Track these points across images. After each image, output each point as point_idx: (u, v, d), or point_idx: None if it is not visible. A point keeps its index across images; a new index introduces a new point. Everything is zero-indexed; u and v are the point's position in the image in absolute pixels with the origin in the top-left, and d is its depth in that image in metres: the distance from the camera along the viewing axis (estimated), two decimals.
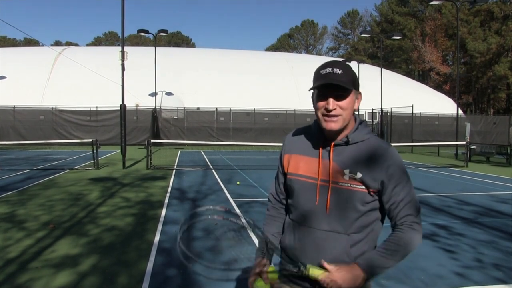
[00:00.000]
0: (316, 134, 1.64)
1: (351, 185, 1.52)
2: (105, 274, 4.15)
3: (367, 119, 31.79)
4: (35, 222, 6.25)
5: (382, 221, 1.63)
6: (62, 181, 10.60)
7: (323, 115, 1.53)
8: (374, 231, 1.60)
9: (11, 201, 7.89)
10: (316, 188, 1.57)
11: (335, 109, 1.50)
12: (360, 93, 1.61)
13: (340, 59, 41.96)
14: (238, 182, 10.55)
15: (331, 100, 1.50)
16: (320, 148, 1.60)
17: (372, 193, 1.53)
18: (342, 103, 1.51)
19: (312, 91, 1.60)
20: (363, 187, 1.52)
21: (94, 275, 4.13)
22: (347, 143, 1.57)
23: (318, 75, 1.54)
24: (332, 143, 1.58)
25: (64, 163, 15.31)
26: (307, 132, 1.70)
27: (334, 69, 1.50)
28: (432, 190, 9.76)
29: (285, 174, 1.71)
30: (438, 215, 7.04)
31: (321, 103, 1.53)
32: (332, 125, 1.52)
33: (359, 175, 1.52)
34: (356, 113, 1.65)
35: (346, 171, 1.53)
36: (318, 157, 1.60)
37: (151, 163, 14.02)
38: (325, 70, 1.52)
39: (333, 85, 1.48)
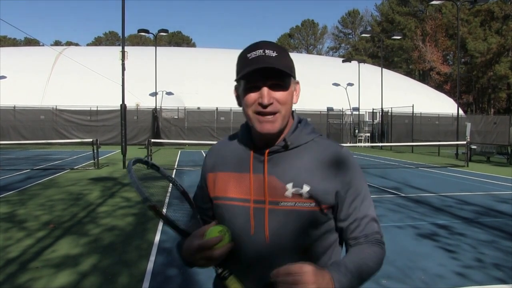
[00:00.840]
0: (244, 140, 1.26)
1: (296, 204, 1.13)
2: (105, 274, 4.15)
3: (367, 119, 31.82)
4: (35, 222, 6.25)
5: (341, 243, 1.26)
6: (63, 181, 10.60)
7: (257, 113, 1.15)
8: (333, 260, 1.21)
9: (11, 201, 7.90)
10: (250, 213, 1.17)
11: (271, 103, 1.13)
12: (298, 83, 1.23)
13: (341, 59, 41.92)
14: None
15: (265, 91, 1.13)
16: (251, 159, 1.20)
17: (325, 210, 1.16)
18: (280, 95, 1.14)
19: (236, 85, 1.22)
20: (313, 204, 1.14)
21: (95, 275, 4.13)
22: (286, 148, 1.18)
23: (244, 60, 1.15)
24: (267, 150, 1.19)
25: (65, 163, 15.32)
26: (235, 140, 1.30)
27: (267, 51, 1.14)
28: (433, 190, 9.75)
29: (211, 200, 1.30)
30: (439, 215, 7.04)
31: (252, 97, 1.14)
32: (269, 126, 1.15)
33: (305, 188, 1.14)
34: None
35: (289, 186, 1.14)
36: (248, 171, 1.19)
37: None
38: (255, 52, 1.14)
39: (268, 71, 1.11)
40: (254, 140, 1.23)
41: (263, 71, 1.11)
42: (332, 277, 1.03)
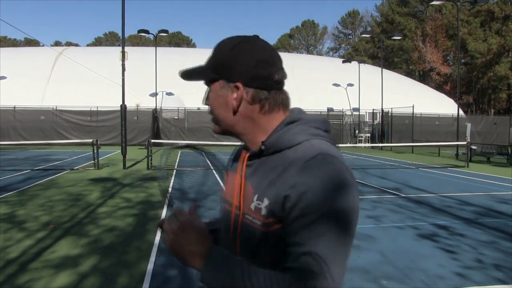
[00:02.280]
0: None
1: (253, 220, 0.99)
2: (105, 275, 4.15)
3: (367, 119, 31.82)
4: (35, 222, 6.25)
5: None
6: (63, 182, 10.60)
7: None
8: None
9: (11, 201, 7.89)
10: (231, 218, 1.08)
11: (207, 105, 1.08)
12: (236, 86, 1.01)
13: (341, 59, 41.93)
14: None
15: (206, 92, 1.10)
16: (240, 161, 1.11)
17: (277, 230, 0.95)
18: (209, 99, 1.07)
19: None
20: (265, 220, 0.96)
21: (95, 275, 4.13)
22: (261, 152, 1.04)
23: None
24: (247, 154, 1.08)
25: (65, 164, 15.31)
26: None
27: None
28: (433, 190, 9.75)
29: None
30: (439, 216, 7.03)
31: None
32: (214, 128, 1.11)
33: (265, 202, 0.96)
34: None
35: (255, 197, 1.00)
36: (239, 174, 1.10)
37: (151, 163, 14.02)
38: None
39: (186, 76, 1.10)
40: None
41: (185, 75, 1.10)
42: (210, 248, 0.93)
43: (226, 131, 1.08)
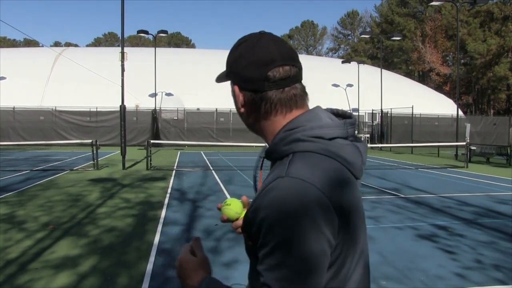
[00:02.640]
0: None
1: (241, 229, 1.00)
2: (105, 275, 4.15)
3: (366, 120, 31.83)
4: (35, 223, 6.25)
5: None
6: (62, 182, 10.59)
7: None
8: None
9: (11, 202, 7.89)
10: None
11: None
12: (235, 84, 0.99)
13: (341, 60, 41.88)
14: None
15: None
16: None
17: (251, 246, 0.92)
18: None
19: None
20: (245, 235, 0.94)
21: (94, 276, 4.13)
22: (267, 157, 1.00)
23: None
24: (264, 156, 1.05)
25: (64, 164, 15.31)
26: None
27: None
28: (432, 191, 9.76)
29: None
30: (438, 216, 7.04)
31: None
32: None
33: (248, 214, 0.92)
34: (357, 110, 1.19)
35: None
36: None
37: (151, 164, 14.02)
38: None
39: None
40: None
41: None
42: (204, 280, 0.96)
43: (252, 132, 1.05)
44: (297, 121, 0.93)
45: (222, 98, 30.17)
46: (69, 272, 4.22)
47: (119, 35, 17.04)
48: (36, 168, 13.67)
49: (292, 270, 0.80)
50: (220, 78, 1.03)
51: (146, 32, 27.70)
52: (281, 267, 0.80)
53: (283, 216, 0.80)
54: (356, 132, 0.99)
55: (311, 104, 1.03)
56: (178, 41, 74.98)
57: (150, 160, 14.03)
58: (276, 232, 0.81)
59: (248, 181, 11.01)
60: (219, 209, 1.11)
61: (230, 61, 0.99)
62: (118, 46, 37.15)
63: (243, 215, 1.06)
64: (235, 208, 1.10)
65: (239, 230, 1.04)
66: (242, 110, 0.99)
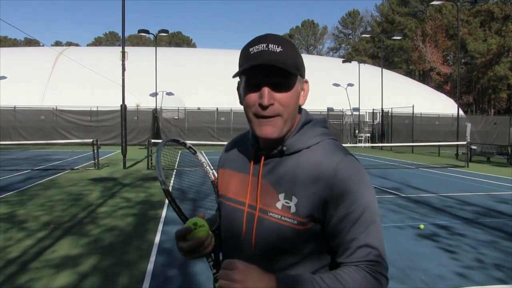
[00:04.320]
0: (251, 140, 1.17)
1: (282, 218, 1.03)
2: (105, 275, 4.15)
3: (367, 119, 31.82)
4: (35, 222, 6.25)
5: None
6: (63, 181, 10.60)
7: (256, 115, 1.05)
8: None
9: (11, 201, 7.90)
10: (243, 216, 1.11)
11: (272, 104, 1.02)
12: (306, 82, 1.12)
13: (341, 59, 41.88)
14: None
15: (265, 91, 1.01)
16: (252, 161, 1.14)
17: (311, 228, 1.04)
18: (282, 95, 1.03)
19: (238, 81, 1.13)
20: (298, 221, 1.02)
21: (95, 275, 4.13)
22: (281, 153, 1.08)
23: (246, 54, 1.05)
24: (263, 156, 1.12)
25: (65, 163, 15.32)
26: (245, 138, 1.23)
27: (270, 46, 1.02)
28: (433, 190, 9.75)
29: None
30: (439, 215, 7.04)
31: (252, 97, 1.04)
32: (269, 130, 1.04)
33: (294, 200, 1.03)
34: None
35: (281, 196, 1.05)
36: (248, 173, 1.13)
37: (151, 163, 14.02)
38: (257, 47, 1.03)
39: (269, 68, 1.00)
40: (260, 141, 1.13)
41: (264, 68, 1.00)
42: (277, 277, 0.95)
43: (283, 133, 1.10)
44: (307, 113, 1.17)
45: (222, 97, 30.26)
46: (70, 271, 4.22)
47: (120, 34, 17.04)
48: (37, 168, 13.68)
49: (378, 225, 1.04)
50: (292, 68, 1.03)
51: (147, 32, 27.71)
52: (369, 226, 1.02)
53: (363, 185, 1.09)
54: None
55: (311, 104, 1.16)
56: (179, 40, 74.97)
57: (151, 160, 14.03)
58: (362, 199, 1.04)
59: None
60: (184, 235, 1.11)
61: (301, 61, 1.08)
62: (119, 45, 37.18)
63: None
64: (206, 226, 1.14)
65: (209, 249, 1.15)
66: (301, 103, 1.12)
